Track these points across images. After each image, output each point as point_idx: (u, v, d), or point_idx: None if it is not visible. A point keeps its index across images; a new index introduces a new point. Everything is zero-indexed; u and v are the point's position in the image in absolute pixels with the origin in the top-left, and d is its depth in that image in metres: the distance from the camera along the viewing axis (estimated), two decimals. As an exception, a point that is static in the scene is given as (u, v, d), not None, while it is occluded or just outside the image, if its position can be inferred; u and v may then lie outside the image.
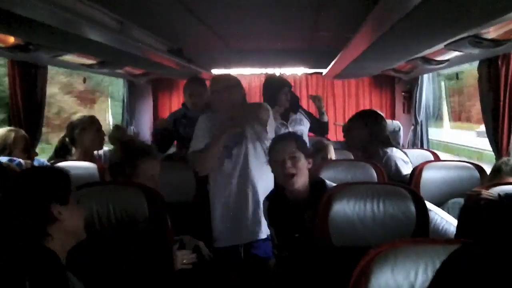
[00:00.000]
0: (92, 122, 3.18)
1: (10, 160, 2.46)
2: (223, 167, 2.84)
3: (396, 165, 3.01)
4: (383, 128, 3.19)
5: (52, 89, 5.19)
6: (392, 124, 4.27)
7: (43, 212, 1.41)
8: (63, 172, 1.52)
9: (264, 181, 2.79)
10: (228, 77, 3.00)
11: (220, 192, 2.86)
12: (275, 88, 3.72)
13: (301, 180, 2.23)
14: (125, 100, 5.12)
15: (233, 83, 2.89)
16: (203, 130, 2.87)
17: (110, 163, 2.23)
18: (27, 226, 1.39)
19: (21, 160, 2.50)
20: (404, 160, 3.06)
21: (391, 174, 2.95)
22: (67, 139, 3.18)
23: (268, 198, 2.44)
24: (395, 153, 3.06)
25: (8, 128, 2.70)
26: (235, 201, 2.83)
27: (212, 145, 2.76)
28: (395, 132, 4.18)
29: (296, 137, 2.35)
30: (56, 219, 1.42)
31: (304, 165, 2.25)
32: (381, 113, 3.95)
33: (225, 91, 2.82)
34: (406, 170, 3.00)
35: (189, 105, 3.66)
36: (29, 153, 2.57)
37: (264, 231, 2.79)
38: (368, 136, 3.15)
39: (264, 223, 2.69)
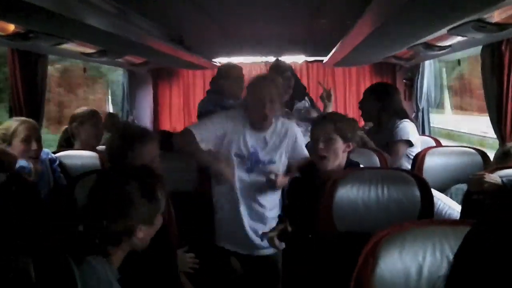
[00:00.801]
0: (90, 117, 3.13)
1: (21, 168, 2.40)
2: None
3: (408, 133, 3.08)
4: (395, 100, 3.23)
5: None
6: None
7: (128, 231, 1.42)
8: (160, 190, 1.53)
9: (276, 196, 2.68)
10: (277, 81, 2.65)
11: (224, 197, 2.67)
12: (276, 73, 3.64)
13: (335, 163, 2.20)
14: (125, 89, 5.10)
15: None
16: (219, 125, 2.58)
17: (109, 150, 2.19)
18: (106, 236, 1.40)
19: (31, 166, 2.45)
20: (411, 131, 3.13)
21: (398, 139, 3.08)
22: (69, 131, 3.16)
23: (300, 170, 2.42)
24: (409, 124, 3.14)
25: (16, 118, 2.66)
26: (239, 210, 2.61)
27: (211, 163, 2.53)
28: None
29: (336, 119, 2.28)
30: (133, 236, 1.43)
31: (339, 148, 2.21)
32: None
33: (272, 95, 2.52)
34: (414, 140, 3.10)
35: (231, 91, 3.34)
36: (30, 144, 2.53)
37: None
38: (378, 108, 3.20)
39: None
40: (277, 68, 3.69)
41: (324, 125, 2.24)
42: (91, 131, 3.12)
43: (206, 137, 2.52)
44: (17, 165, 2.37)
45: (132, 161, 2.08)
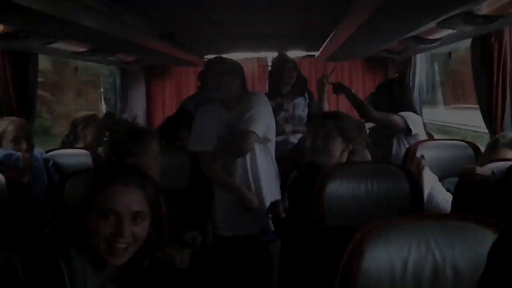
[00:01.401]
0: (93, 120, 3.40)
1: (7, 155, 2.43)
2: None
3: (407, 121, 3.09)
4: (404, 94, 3.27)
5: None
6: None
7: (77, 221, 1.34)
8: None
9: (269, 174, 2.78)
10: (226, 61, 2.77)
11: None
12: (278, 65, 3.67)
13: (331, 162, 2.16)
14: (118, 88, 5.08)
15: (230, 68, 2.69)
16: (207, 126, 2.71)
17: (110, 143, 2.18)
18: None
19: (19, 153, 2.47)
20: (416, 123, 3.13)
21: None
22: (71, 136, 3.36)
23: (299, 169, 2.39)
24: (414, 115, 3.16)
25: (5, 118, 2.69)
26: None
27: (223, 181, 2.72)
28: None
29: (338, 117, 2.24)
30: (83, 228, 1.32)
31: (337, 146, 2.18)
32: None
33: (222, 76, 2.64)
34: (414, 129, 3.10)
35: None
36: (19, 143, 2.53)
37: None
38: (387, 101, 3.23)
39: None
40: (279, 59, 3.71)
41: (324, 122, 2.22)
42: (96, 132, 3.35)
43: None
44: (3, 153, 2.39)
45: (137, 157, 2.07)
